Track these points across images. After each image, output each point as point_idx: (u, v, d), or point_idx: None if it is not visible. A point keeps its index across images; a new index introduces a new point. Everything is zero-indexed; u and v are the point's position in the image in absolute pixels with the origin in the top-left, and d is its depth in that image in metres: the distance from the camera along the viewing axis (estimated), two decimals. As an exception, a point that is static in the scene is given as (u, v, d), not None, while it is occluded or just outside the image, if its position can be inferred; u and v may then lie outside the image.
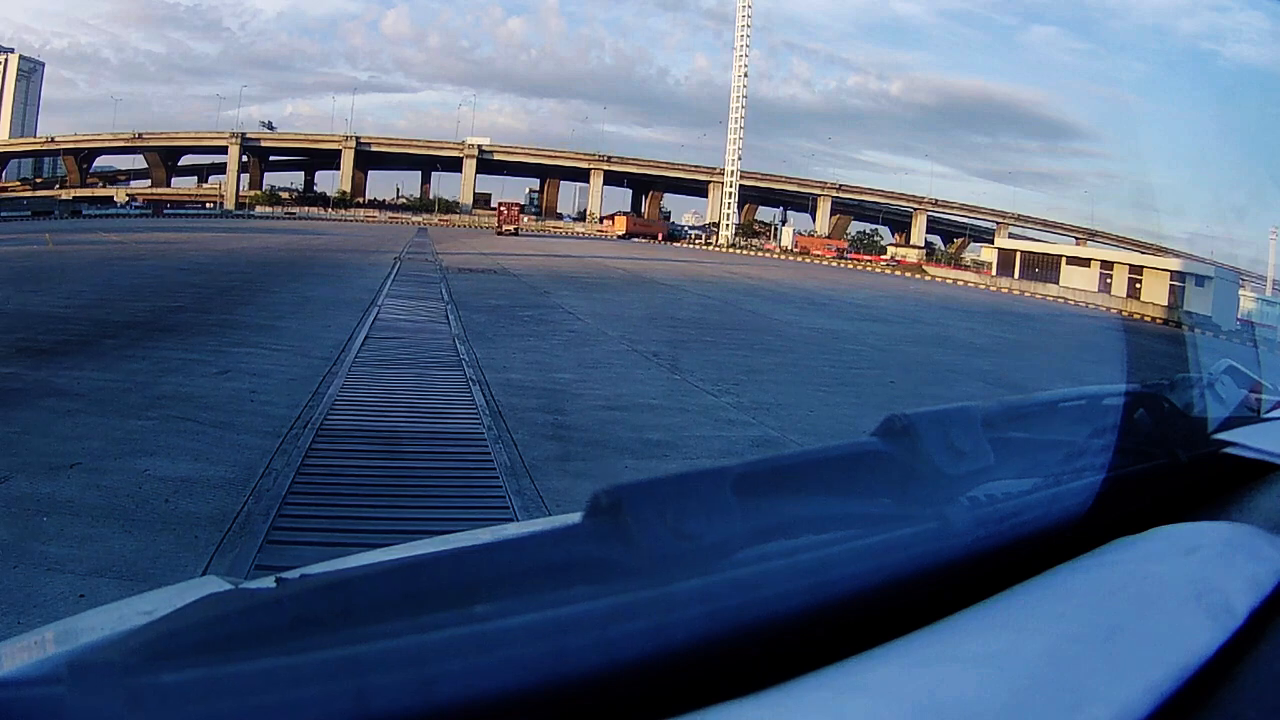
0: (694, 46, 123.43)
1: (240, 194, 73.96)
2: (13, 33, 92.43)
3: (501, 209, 64.77)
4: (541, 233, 69.43)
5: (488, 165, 79.43)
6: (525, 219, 69.73)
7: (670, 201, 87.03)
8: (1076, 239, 68.84)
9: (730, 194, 73.09)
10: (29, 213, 51.89)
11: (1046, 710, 0.54)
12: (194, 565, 3.98)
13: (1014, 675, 0.57)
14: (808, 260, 60.93)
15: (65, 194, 66.57)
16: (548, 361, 10.37)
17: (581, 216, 79.79)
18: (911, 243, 74.37)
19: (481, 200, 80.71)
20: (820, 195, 78.07)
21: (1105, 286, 45.59)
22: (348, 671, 0.51)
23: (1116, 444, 0.97)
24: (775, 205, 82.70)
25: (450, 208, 77.55)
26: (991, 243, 64.08)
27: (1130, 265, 46.36)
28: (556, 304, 17.26)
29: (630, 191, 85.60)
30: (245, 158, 76.00)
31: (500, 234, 57.64)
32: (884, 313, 23.10)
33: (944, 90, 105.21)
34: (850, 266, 58.39)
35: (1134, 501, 0.93)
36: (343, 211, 72.44)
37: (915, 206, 77.50)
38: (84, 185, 72.51)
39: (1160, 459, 1.02)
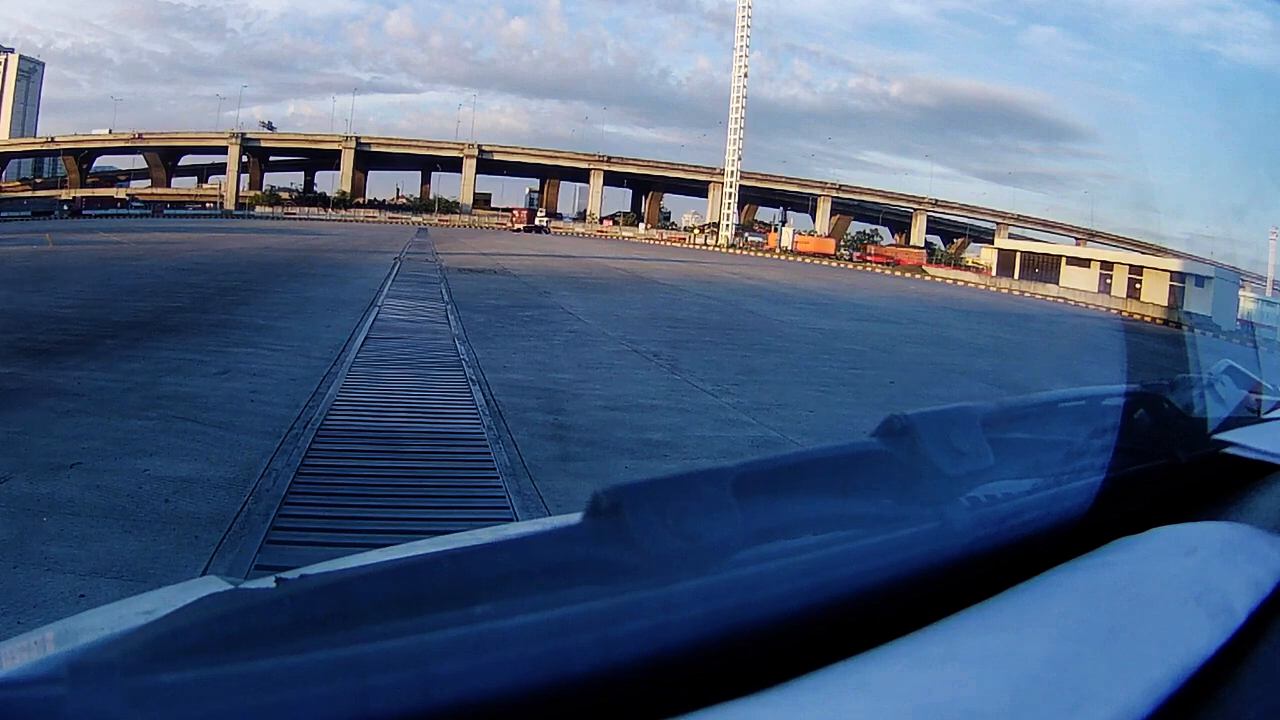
0: (695, 48, 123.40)
1: (240, 194, 73.91)
2: (16, 33, 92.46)
3: (514, 212, 74.59)
4: (557, 232, 69.88)
5: (488, 165, 79.42)
6: (539, 218, 73.49)
7: (670, 201, 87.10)
8: (1076, 239, 68.81)
9: (730, 194, 73.06)
10: (29, 213, 51.95)
11: (1046, 710, 0.54)
12: (194, 565, 3.97)
13: (1014, 675, 0.57)
14: (808, 261, 60.68)
15: (66, 194, 66.60)
16: (548, 361, 10.37)
17: (581, 217, 79.72)
18: (911, 243, 74.29)
19: (481, 200, 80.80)
20: (820, 195, 78.05)
21: (1105, 287, 45.57)
22: (348, 672, 0.51)
23: (1116, 444, 0.97)
24: (775, 205, 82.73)
25: (450, 208, 77.54)
26: (991, 243, 64.04)
27: (1130, 266, 46.33)
28: (556, 304, 17.26)
29: (630, 191, 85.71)
30: (245, 158, 75.97)
31: (514, 231, 65.26)
32: (884, 313, 23.10)
33: (944, 91, 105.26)
34: (850, 267, 58.29)
35: (1134, 502, 0.93)
36: (343, 212, 72.41)
37: (915, 207, 77.47)
38: (84, 185, 72.48)
39: (1160, 459, 1.02)
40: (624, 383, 9.18)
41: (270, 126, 79.93)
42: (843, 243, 71.27)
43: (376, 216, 73.50)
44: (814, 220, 78.13)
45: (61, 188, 71.21)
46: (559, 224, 76.26)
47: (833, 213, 79.23)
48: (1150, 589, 0.73)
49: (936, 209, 77.93)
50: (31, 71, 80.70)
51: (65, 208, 56.58)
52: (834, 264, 59.20)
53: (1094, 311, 38.47)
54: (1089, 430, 1.00)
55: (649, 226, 78.85)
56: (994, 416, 0.90)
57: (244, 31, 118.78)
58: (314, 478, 5.34)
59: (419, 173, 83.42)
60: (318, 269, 22.60)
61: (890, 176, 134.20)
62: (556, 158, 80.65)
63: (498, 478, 5.55)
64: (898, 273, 57.44)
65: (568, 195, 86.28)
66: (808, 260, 60.72)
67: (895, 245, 73.17)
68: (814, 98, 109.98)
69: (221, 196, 74.79)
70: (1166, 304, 40.29)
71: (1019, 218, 74.92)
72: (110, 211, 60.24)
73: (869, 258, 64.78)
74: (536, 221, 71.42)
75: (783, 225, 76.94)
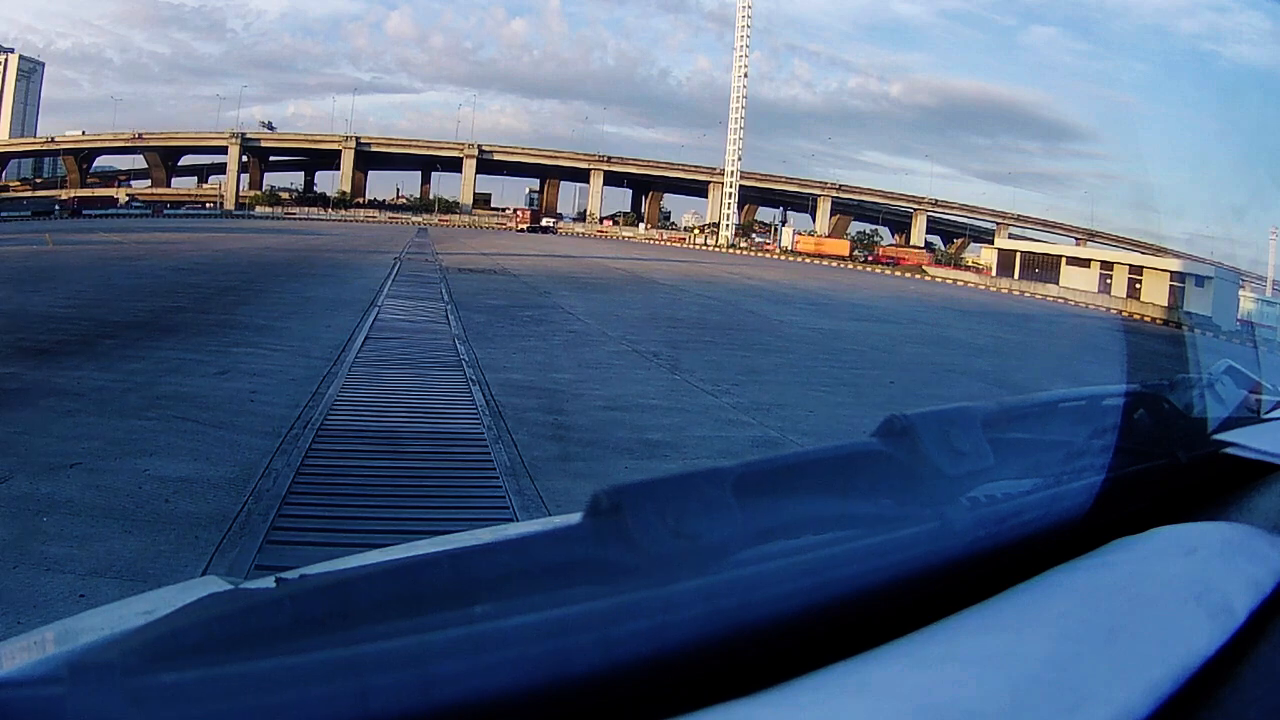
0: (695, 48, 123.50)
1: (240, 194, 73.92)
2: (16, 33, 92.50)
3: (518, 212, 75.12)
4: (561, 233, 69.79)
5: (488, 165, 79.44)
6: (546, 219, 74.01)
7: (670, 201, 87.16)
8: (1076, 239, 68.82)
9: (730, 194, 73.07)
10: (29, 213, 52.00)
11: (1046, 710, 0.54)
12: (194, 565, 3.98)
13: (1014, 675, 0.57)
14: (809, 261, 60.49)
15: (64, 194, 66.60)
16: (548, 361, 10.37)
17: (581, 217, 79.71)
18: (911, 243, 74.27)
19: (481, 200, 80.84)
20: (820, 195, 78.06)
21: (1105, 287, 45.57)
22: (348, 672, 0.51)
23: (1116, 444, 0.97)
24: (775, 205, 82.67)
25: (450, 208, 77.57)
26: (991, 243, 64.03)
27: (1130, 266, 46.33)
28: (556, 304, 17.26)
29: (630, 191, 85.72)
30: (245, 158, 75.98)
31: (518, 231, 65.71)
32: (884, 313, 23.10)
33: (944, 91, 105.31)
34: (851, 267, 58.22)
35: (1134, 502, 0.93)
36: (343, 212, 72.44)
37: (915, 207, 77.48)
38: (84, 185, 72.49)
39: (1160, 459, 1.02)
40: (624, 383, 9.18)
41: (270, 126, 79.99)
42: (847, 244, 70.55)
43: (376, 216, 73.50)
44: (814, 220, 78.12)
45: (61, 188, 71.21)
46: (560, 224, 76.11)
47: (833, 213, 79.23)
48: (1150, 589, 0.73)
49: (936, 209, 77.92)
50: (31, 71, 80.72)
51: (57, 208, 56.37)
52: (835, 264, 59.09)
53: (1094, 311, 38.47)
54: (1089, 430, 1.00)
55: (649, 226, 78.84)
56: (994, 416, 0.90)
57: (244, 31, 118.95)
58: (314, 478, 5.34)
59: (419, 173, 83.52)
60: (318, 269, 22.60)
61: (890, 176, 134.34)
62: (556, 158, 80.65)
63: (498, 478, 5.55)
64: (898, 273, 57.39)
65: (568, 195, 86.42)
66: (808, 260, 60.69)
67: (897, 245, 73.00)
68: (814, 98, 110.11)
69: (221, 196, 74.79)
70: (1166, 304, 40.30)
71: (1019, 218, 74.95)
72: (110, 211, 60.24)
73: (882, 259, 64.27)
74: (543, 222, 71.08)
75: (783, 225, 76.90)
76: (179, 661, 0.49)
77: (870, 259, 63.88)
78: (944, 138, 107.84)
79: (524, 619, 0.56)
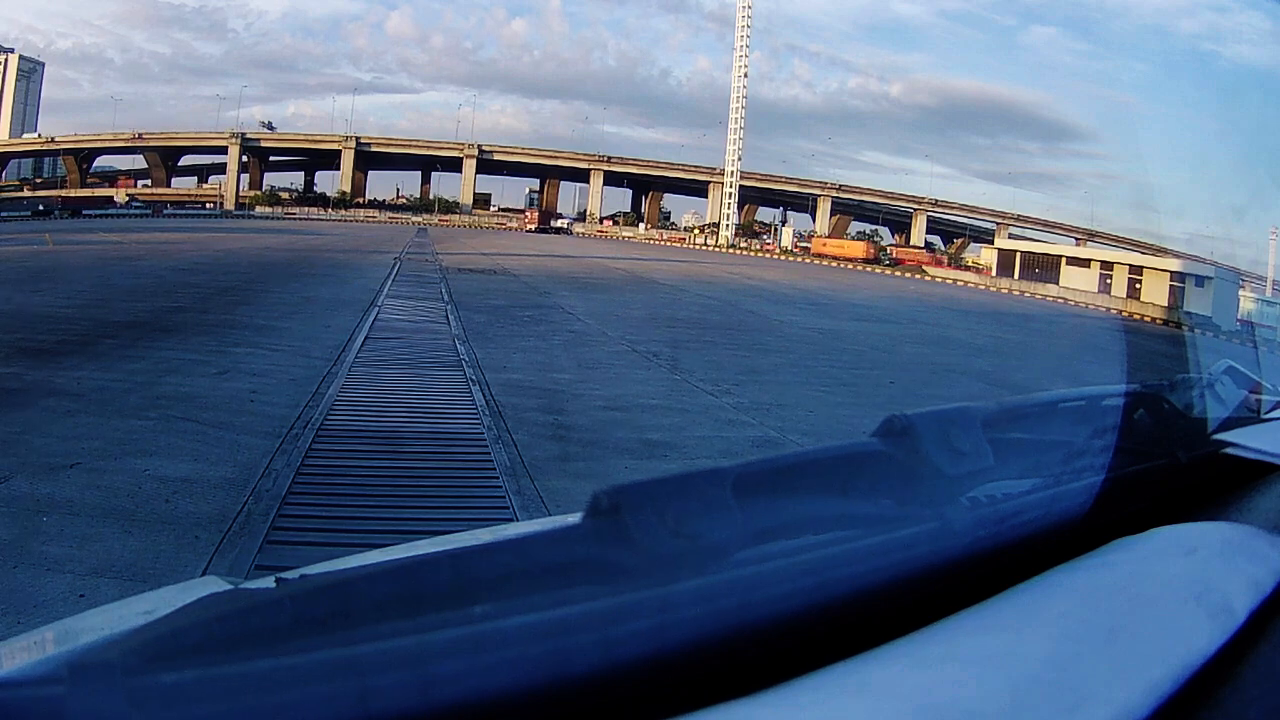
0: (695, 48, 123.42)
1: (240, 194, 73.95)
2: (16, 33, 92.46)
3: (526, 213, 76.90)
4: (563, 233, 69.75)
5: (488, 165, 79.47)
6: (559, 220, 74.22)
7: (670, 201, 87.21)
8: (1076, 239, 68.84)
9: (730, 194, 73.08)
10: (29, 212, 51.99)
11: (1046, 710, 0.54)
12: (194, 565, 3.98)
13: (1014, 675, 0.57)
14: (808, 261, 60.43)
15: (58, 195, 66.53)
16: (548, 362, 10.37)
17: (581, 217, 79.71)
18: (911, 243, 74.27)
19: (481, 200, 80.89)
20: (820, 195, 78.09)
21: (1105, 287, 45.57)
22: (348, 672, 0.51)
23: (1116, 444, 0.97)
24: (775, 205, 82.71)
25: (450, 208, 77.61)
26: (991, 243, 64.01)
27: (1130, 266, 46.34)
28: (556, 304, 17.26)
29: (630, 191, 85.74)
30: (245, 158, 76.01)
31: (527, 232, 66.34)
32: (883, 313, 23.09)
33: (944, 91, 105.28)
34: (850, 268, 58.15)
35: (1134, 502, 0.93)
36: (343, 212, 72.47)
37: (915, 207, 77.51)
38: (84, 185, 72.51)
39: (1160, 459, 1.02)
40: (624, 383, 9.18)
41: (270, 126, 79.97)
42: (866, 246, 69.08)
43: (376, 216, 73.49)
44: (814, 220, 78.13)
45: (62, 188, 71.21)
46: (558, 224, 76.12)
47: (833, 213, 79.24)
48: (1150, 589, 0.73)
49: (936, 209, 77.94)
50: (31, 71, 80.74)
51: (47, 210, 55.81)
52: (835, 265, 59.02)
53: (1094, 312, 38.45)
54: (1089, 430, 1.00)
55: (649, 226, 78.86)
56: (994, 416, 0.90)
57: (245, 31, 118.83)
58: (314, 478, 5.34)
59: (419, 173, 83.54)
60: (317, 269, 22.60)
61: (890, 176, 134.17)
62: (556, 158, 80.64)
63: (498, 478, 5.55)
64: (897, 272, 57.37)
65: (568, 195, 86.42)
66: (807, 260, 60.67)
67: (897, 245, 72.90)
68: (814, 98, 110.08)
69: (221, 196, 74.80)
70: (1166, 304, 40.30)
71: (1019, 218, 74.95)
72: (110, 211, 60.21)
73: (902, 260, 63.64)
74: (554, 223, 70.77)
75: (783, 225, 76.92)
76: (179, 661, 0.49)
77: (890, 261, 63.26)
78: (944, 138, 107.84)
79: (524, 619, 0.56)
